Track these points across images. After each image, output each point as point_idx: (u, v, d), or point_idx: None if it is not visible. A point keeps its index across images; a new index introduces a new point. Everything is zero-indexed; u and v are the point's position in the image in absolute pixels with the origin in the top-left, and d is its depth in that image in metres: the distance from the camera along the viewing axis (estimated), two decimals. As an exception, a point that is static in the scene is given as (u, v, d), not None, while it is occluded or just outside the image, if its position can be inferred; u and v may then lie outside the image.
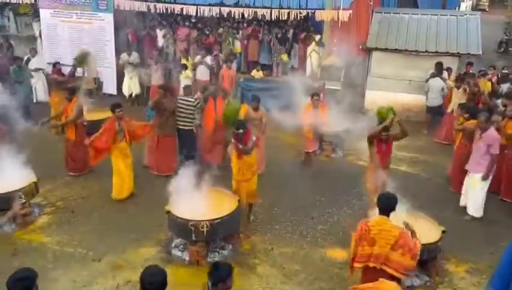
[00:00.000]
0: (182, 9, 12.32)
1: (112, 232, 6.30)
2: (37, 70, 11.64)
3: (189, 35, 13.72)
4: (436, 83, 10.56)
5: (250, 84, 12.35)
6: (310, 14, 12.14)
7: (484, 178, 6.69)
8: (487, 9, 30.12)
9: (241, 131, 6.17)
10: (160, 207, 5.93)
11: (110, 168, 7.26)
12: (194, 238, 5.56)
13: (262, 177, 7.64)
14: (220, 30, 13.93)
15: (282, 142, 9.56)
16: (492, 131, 6.72)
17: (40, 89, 11.80)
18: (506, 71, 12.25)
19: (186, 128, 8.10)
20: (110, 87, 12.59)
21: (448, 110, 10.03)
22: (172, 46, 13.54)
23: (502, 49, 20.19)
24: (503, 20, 22.86)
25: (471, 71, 11.01)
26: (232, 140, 6.39)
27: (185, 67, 11.39)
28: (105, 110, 9.73)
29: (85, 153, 7.62)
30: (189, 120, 8.07)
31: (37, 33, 13.87)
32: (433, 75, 10.65)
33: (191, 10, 12.30)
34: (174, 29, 14.06)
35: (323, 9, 11.70)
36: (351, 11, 11.58)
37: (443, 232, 5.41)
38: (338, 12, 11.50)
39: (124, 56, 12.13)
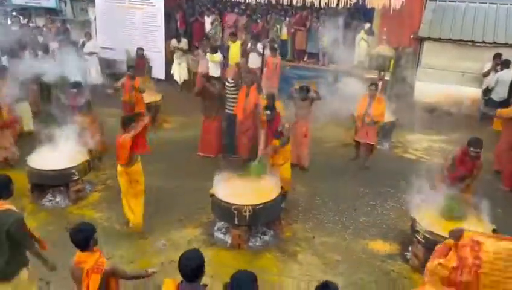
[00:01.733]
0: (229, -6, 12.37)
1: (158, 213, 6.52)
2: (91, 54, 12.12)
3: (237, 22, 13.77)
4: (505, 76, 9.99)
5: (296, 72, 12.25)
6: (360, 2, 11.82)
7: None
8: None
9: (268, 112, 6.29)
10: (204, 190, 6.06)
11: (160, 151, 7.44)
12: (236, 222, 5.65)
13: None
14: (268, 17, 13.87)
15: (327, 132, 9.45)
16: None
17: (93, 71, 12.28)
18: None
19: (232, 112, 8.21)
20: (158, 72, 12.89)
21: None
22: (220, 33, 13.65)
23: None
24: None
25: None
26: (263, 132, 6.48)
27: (214, 50, 11.05)
28: (155, 94, 10.19)
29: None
30: (235, 105, 8.16)
31: (92, 18, 14.39)
32: (493, 68, 10.10)
33: (239, -4, 12.32)
34: (223, 16, 14.14)
35: (375, -4, 11.36)
36: (404, -1, 11.18)
37: (494, 231, 5.19)
38: (390, 0, 11.14)
39: (173, 42, 12.38)
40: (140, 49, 11.31)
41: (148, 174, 7.65)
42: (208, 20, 13.98)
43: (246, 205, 5.59)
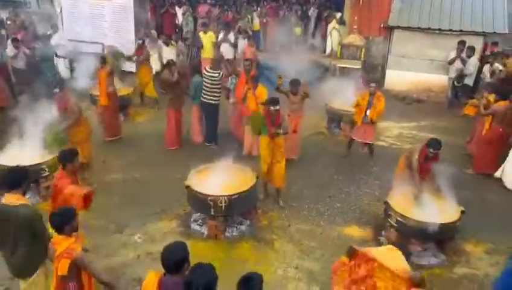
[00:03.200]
0: (201, -15, 12.24)
1: (133, 206, 6.45)
2: (58, 46, 11.77)
3: (210, 13, 13.66)
4: (474, 62, 10.27)
5: (268, 63, 12.26)
6: (331, -9, 11.94)
7: None
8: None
9: (278, 108, 6.13)
10: (179, 181, 6.03)
11: (133, 144, 7.34)
12: (212, 213, 5.65)
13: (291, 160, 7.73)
14: (239, 7, 13.83)
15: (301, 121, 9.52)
16: None
17: (61, 65, 11.94)
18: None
19: (209, 102, 8.18)
20: (129, 64, 12.64)
21: None
22: (191, 24, 13.51)
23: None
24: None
25: (496, 50, 10.73)
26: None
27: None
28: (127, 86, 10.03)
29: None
30: (212, 94, 8.13)
31: (58, 10, 13.96)
32: (458, 55, 10.39)
33: (210, -14, 12.21)
34: (194, 7, 13.99)
35: (346, -14, 11.49)
36: (373, -12, 11.34)
37: (462, 212, 5.37)
38: (360, -10, 11.28)
39: (142, 31, 12.15)
40: (140, 39, 11.14)
41: (122, 167, 7.63)
42: (179, 11, 13.81)
43: (222, 196, 5.58)
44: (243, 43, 11.67)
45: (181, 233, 5.86)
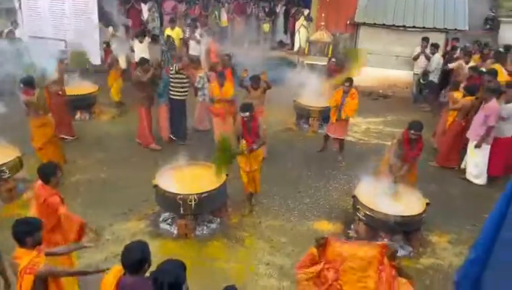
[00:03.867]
0: (167, -19, 12.03)
1: (100, 207, 6.28)
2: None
3: (176, 9, 13.47)
4: (437, 59, 10.57)
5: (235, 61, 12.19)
6: (298, -12, 12.00)
7: (476, 146, 7.01)
8: (474, -14, 30.01)
9: (247, 114, 5.81)
10: (147, 181, 5.91)
11: (99, 143, 7.17)
12: (182, 211, 5.58)
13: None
14: (206, 3, 13.70)
15: (269, 118, 9.52)
16: (493, 102, 6.82)
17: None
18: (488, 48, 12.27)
19: (176, 98, 8.14)
20: (95, 59, 12.32)
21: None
22: (157, 20, 13.29)
23: (488, 26, 20.24)
24: (490, -3, 22.84)
25: (457, 45, 11.11)
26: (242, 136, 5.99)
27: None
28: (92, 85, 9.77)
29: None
30: (178, 91, 8.06)
31: (17, 5, 13.43)
32: (422, 51, 10.65)
33: (177, -18, 12.03)
34: (160, 3, 13.76)
35: (311, -18, 11.57)
36: (339, -15, 11.47)
37: (427, 204, 5.52)
38: (326, -14, 11.39)
39: (110, 30, 11.85)
40: (104, 42, 10.82)
41: (89, 167, 7.43)
42: (144, 7, 13.56)
43: (191, 194, 5.52)
44: (207, 40, 11.56)
45: (150, 233, 5.76)
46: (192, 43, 11.55)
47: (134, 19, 13.37)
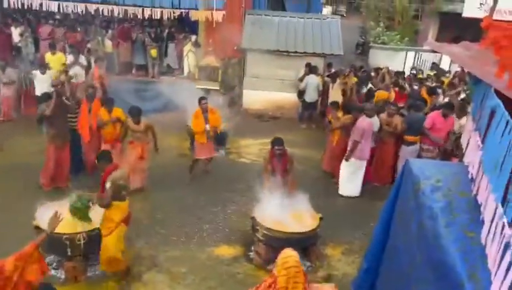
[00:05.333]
0: (41, 4, 11.21)
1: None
2: None
3: (53, 34, 12.56)
4: (313, 80, 11.29)
5: (123, 87, 11.74)
6: (183, 14, 12.04)
7: (345, 159, 7.60)
8: (345, 15, 33.26)
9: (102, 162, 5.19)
10: (25, 224, 5.27)
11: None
12: (69, 253, 5.08)
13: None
14: (88, 29, 13.06)
15: (163, 143, 9.27)
16: (361, 120, 7.41)
17: None
18: (364, 70, 13.67)
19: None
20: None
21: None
22: (31, 46, 12.24)
23: (359, 51, 22.52)
24: (358, 25, 25.45)
25: (333, 70, 12.18)
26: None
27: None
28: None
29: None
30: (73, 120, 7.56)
31: None
32: (306, 74, 11.35)
33: (53, 6, 11.29)
34: (34, 28, 12.74)
35: (197, 9, 11.72)
36: (224, 12, 11.78)
37: (321, 219, 5.78)
38: (212, 13, 11.62)
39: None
40: None
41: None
42: (15, 32, 12.40)
43: (80, 233, 5.06)
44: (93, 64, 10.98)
45: (32, 281, 5.11)
46: (76, 68, 10.82)
47: (3, 44, 12.13)
